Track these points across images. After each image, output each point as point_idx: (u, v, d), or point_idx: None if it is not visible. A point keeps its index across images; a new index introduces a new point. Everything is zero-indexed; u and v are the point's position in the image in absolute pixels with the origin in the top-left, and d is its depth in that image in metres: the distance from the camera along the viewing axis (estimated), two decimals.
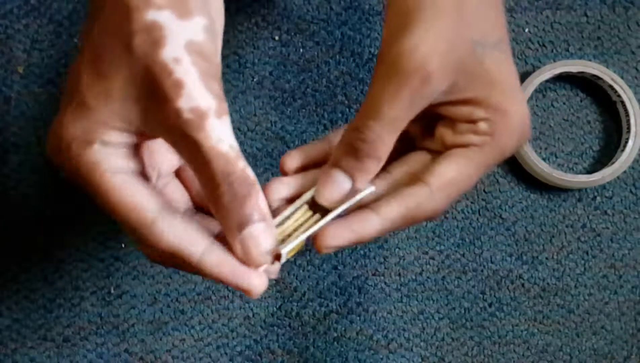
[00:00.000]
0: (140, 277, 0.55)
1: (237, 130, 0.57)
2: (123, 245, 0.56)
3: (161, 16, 0.27)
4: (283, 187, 0.34)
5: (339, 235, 0.31)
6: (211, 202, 0.30)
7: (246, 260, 0.30)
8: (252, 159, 0.56)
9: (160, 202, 0.30)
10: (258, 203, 0.29)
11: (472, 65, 0.30)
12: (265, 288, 0.31)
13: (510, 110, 0.32)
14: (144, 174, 0.32)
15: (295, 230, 0.32)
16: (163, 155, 0.34)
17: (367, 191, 0.32)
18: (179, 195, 0.35)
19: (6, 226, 0.56)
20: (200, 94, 0.28)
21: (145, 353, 0.55)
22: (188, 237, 0.30)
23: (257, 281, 0.30)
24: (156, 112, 0.28)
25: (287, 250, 0.31)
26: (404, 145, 0.35)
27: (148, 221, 0.29)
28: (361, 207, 0.33)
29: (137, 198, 0.29)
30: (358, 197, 0.32)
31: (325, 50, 0.58)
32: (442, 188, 0.32)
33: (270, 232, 0.30)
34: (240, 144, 0.56)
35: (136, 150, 0.31)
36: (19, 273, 0.55)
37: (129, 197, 0.29)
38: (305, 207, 0.33)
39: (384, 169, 0.34)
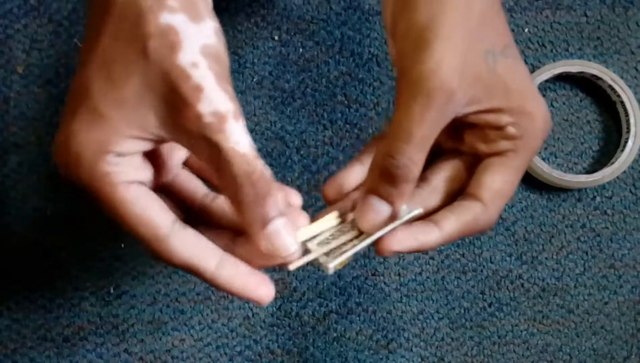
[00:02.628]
0: (139, 277, 0.55)
1: None
2: (123, 246, 0.56)
3: (176, 19, 0.27)
4: (330, 220, 0.35)
5: (403, 241, 0.32)
6: (233, 201, 0.30)
7: (273, 253, 0.31)
8: None
9: (173, 215, 0.31)
10: (278, 200, 0.30)
11: (486, 76, 0.31)
12: (273, 297, 0.32)
13: (533, 111, 0.32)
14: (156, 181, 0.32)
15: (335, 240, 0.34)
16: (170, 151, 0.34)
17: (416, 212, 0.33)
18: (192, 184, 0.36)
19: (6, 226, 0.56)
20: (219, 98, 0.28)
21: (144, 353, 0.55)
22: (201, 253, 0.30)
23: (264, 291, 0.31)
24: (174, 116, 0.28)
25: (334, 264, 0.32)
26: (431, 149, 0.35)
27: (161, 236, 0.30)
28: (423, 218, 0.34)
29: (151, 213, 0.30)
30: (406, 218, 0.33)
31: (325, 50, 0.58)
32: (493, 201, 0.33)
33: (291, 226, 0.31)
34: None
35: (148, 156, 0.31)
36: (19, 273, 0.55)
37: (143, 210, 0.29)
38: (347, 223, 0.34)
39: (420, 177, 0.35)
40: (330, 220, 0.34)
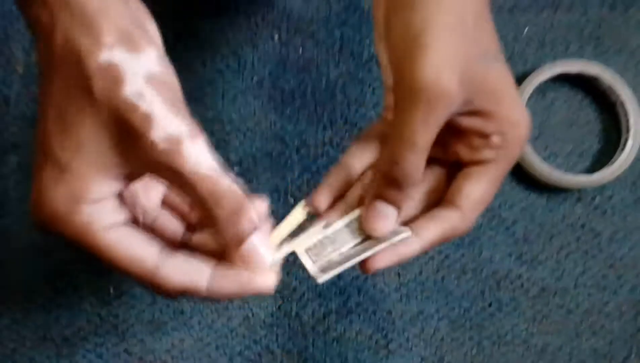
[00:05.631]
0: None
1: (237, 130, 0.57)
2: None
3: (114, 55, 0.27)
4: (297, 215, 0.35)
5: (386, 258, 0.34)
6: (206, 222, 0.30)
7: (249, 270, 0.31)
8: (251, 158, 0.56)
9: (159, 245, 0.31)
10: (250, 216, 0.30)
11: (479, 79, 0.31)
12: (276, 281, 0.32)
13: (519, 121, 0.33)
14: (133, 218, 0.32)
15: (331, 246, 0.35)
16: (146, 194, 0.34)
17: (405, 235, 0.34)
18: (172, 225, 0.36)
19: (6, 226, 0.56)
20: (170, 122, 0.28)
21: (144, 353, 0.55)
22: (192, 274, 0.31)
23: (263, 280, 0.31)
24: (131, 149, 0.28)
25: (325, 278, 0.32)
26: None
27: (151, 269, 0.30)
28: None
29: (136, 250, 0.30)
30: (395, 240, 0.34)
31: (325, 50, 0.58)
32: (472, 210, 0.34)
33: (267, 239, 0.31)
34: (240, 144, 0.57)
35: (122, 197, 0.31)
36: (19, 273, 0.55)
37: (128, 250, 0.30)
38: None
39: None
40: (297, 215, 0.35)
